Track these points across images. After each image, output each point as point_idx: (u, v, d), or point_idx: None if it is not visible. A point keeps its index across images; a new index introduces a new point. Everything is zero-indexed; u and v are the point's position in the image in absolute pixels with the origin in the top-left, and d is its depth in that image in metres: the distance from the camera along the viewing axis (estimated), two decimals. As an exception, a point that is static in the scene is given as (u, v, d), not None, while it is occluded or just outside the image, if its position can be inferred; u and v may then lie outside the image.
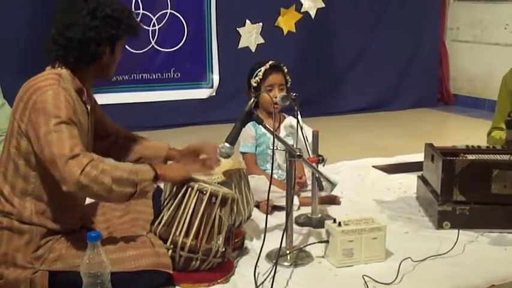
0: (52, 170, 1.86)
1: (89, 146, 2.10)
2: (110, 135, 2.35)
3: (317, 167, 2.64)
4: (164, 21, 5.20)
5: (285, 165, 2.39)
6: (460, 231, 2.53)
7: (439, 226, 2.68)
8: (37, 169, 1.96)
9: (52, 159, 1.84)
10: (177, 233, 2.10)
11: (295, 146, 2.48)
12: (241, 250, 2.43)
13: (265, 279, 2.14)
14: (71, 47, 1.97)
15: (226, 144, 2.21)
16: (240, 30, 5.26)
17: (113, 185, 1.88)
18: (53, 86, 1.92)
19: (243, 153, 3.09)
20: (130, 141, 2.38)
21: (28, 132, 1.91)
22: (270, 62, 3.06)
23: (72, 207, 2.05)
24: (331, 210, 2.97)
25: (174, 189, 2.19)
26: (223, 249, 2.15)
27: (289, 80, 3.11)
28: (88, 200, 2.29)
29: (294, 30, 5.42)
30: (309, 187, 2.92)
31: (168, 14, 5.19)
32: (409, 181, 3.36)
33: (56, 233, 2.03)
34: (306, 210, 2.87)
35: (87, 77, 2.06)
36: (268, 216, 2.37)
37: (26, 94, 1.93)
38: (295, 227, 2.54)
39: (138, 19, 4.86)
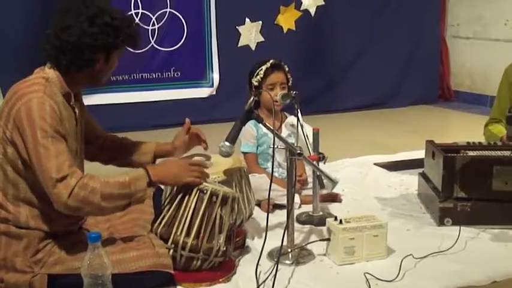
0: (42, 184, 1.87)
1: (79, 151, 2.08)
2: (98, 139, 2.33)
3: (318, 165, 2.64)
4: (164, 20, 5.19)
5: (286, 163, 2.38)
6: (462, 227, 2.53)
7: (441, 223, 2.67)
8: (25, 175, 1.94)
9: (41, 175, 1.85)
10: (178, 233, 2.10)
11: (296, 145, 2.47)
12: (243, 249, 2.43)
13: (267, 278, 2.13)
14: (65, 50, 1.93)
15: (227, 143, 2.21)
16: (240, 28, 5.27)
17: (102, 202, 1.88)
18: (37, 93, 1.89)
19: (244, 153, 3.09)
20: (116, 145, 2.37)
21: (14, 140, 1.89)
22: (271, 61, 3.06)
23: None
24: (333, 208, 2.97)
25: (175, 189, 2.19)
26: (225, 249, 2.15)
27: (291, 78, 3.11)
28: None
29: (294, 28, 5.43)
30: (310, 185, 2.92)
31: (167, 13, 5.18)
32: (410, 178, 3.36)
33: (55, 236, 2.02)
34: (307, 208, 2.87)
35: (78, 82, 2.02)
36: (270, 214, 2.37)
37: (12, 99, 1.90)
38: (296, 225, 2.54)
39: (138, 18, 4.95)
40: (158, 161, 2.39)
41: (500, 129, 3.18)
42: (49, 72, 1.98)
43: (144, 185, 1.99)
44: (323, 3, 5.21)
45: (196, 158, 2.36)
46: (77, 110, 2.05)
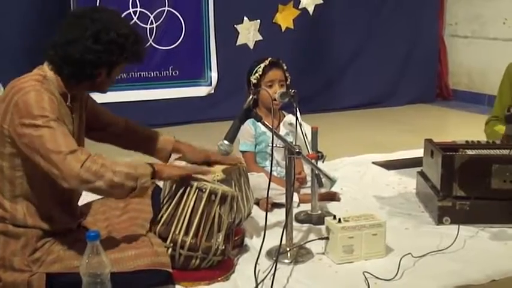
0: (49, 168, 1.83)
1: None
2: (108, 126, 2.34)
3: (316, 163, 2.64)
4: (162, 19, 5.18)
5: (284, 162, 2.38)
6: (460, 226, 2.53)
7: (439, 222, 2.67)
8: (23, 170, 1.93)
9: (48, 157, 1.82)
10: (177, 232, 2.10)
11: (294, 143, 2.47)
12: (241, 248, 2.43)
13: (266, 277, 2.13)
14: (68, 62, 1.93)
15: (225, 142, 2.21)
16: (238, 27, 5.27)
17: (114, 177, 1.86)
18: (35, 86, 1.88)
19: (242, 152, 3.08)
20: (132, 132, 2.38)
21: (11, 134, 1.87)
22: (270, 59, 3.06)
23: (65, 205, 2.03)
24: (331, 206, 2.97)
25: (174, 187, 2.18)
26: (223, 247, 2.15)
27: (289, 77, 3.11)
28: (83, 200, 2.28)
29: (292, 27, 5.43)
30: (309, 184, 2.92)
31: (165, 11, 5.18)
32: (409, 177, 3.36)
33: (53, 234, 2.01)
34: (306, 207, 2.87)
35: (76, 88, 2.02)
36: (268, 213, 2.37)
37: (8, 95, 1.89)
38: (295, 224, 2.54)
39: (136, 17, 4.94)
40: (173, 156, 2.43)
41: (501, 127, 3.18)
42: (48, 71, 1.97)
43: (148, 172, 1.98)
44: (321, 1, 5.21)
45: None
46: (74, 111, 2.05)
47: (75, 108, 2.06)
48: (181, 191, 2.14)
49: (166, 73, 5.31)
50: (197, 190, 2.12)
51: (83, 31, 1.91)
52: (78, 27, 1.93)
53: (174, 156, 2.44)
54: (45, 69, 1.98)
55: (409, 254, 2.32)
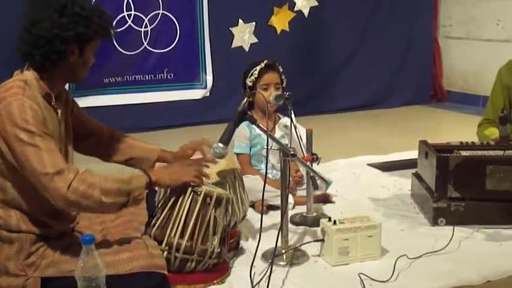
0: (37, 186, 1.84)
1: (64, 152, 2.03)
2: (92, 135, 2.31)
3: (311, 165, 2.64)
4: (156, 22, 5.17)
5: (279, 165, 2.38)
6: (455, 227, 2.54)
7: (434, 223, 2.68)
8: (12, 180, 1.92)
9: (36, 177, 1.82)
10: (172, 234, 2.10)
11: (289, 146, 2.47)
12: (237, 250, 2.43)
13: (261, 279, 2.13)
14: (37, 44, 1.89)
15: (220, 145, 2.21)
16: (233, 29, 5.26)
17: (102, 197, 1.86)
18: (17, 95, 1.85)
19: (237, 154, 3.08)
20: (116, 142, 2.35)
21: None
22: (265, 61, 3.06)
23: (57, 211, 2.01)
24: (326, 208, 2.97)
25: (169, 190, 2.18)
26: (219, 250, 2.15)
27: (285, 79, 3.11)
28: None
29: (288, 29, 5.43)
30: (304, 186, 2.92)
31: (160, 14, 5.17)
32: (404, 178, 3.37)
33: (47, 239, 2.00)
34: (301, 209, 2.87)
35: (55, 79, 1.98)
36: (263, 215, 2.36)
37: None
38: (290, 226, 2.54)
39: (130, 20, 4.92)
40: (157, 165, 2.40)
41: (492, 131, 3.20)
42: (27, 74, 1.94)
43: (143, 183, 1.98)
44: (316, 4, 5.21)
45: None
46: (59, 111, 2.03)
47: (60, 112, 2.03)
48: (176, 193, 2.14)
49: (161, 76, 5.30)
50: (192, 193, 2.12)
51: (47, 8, 1.90)
52: (43, 7, 1.91)
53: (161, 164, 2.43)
54: (25, 72, 1.95)
55: (404, 255, 2.33)
